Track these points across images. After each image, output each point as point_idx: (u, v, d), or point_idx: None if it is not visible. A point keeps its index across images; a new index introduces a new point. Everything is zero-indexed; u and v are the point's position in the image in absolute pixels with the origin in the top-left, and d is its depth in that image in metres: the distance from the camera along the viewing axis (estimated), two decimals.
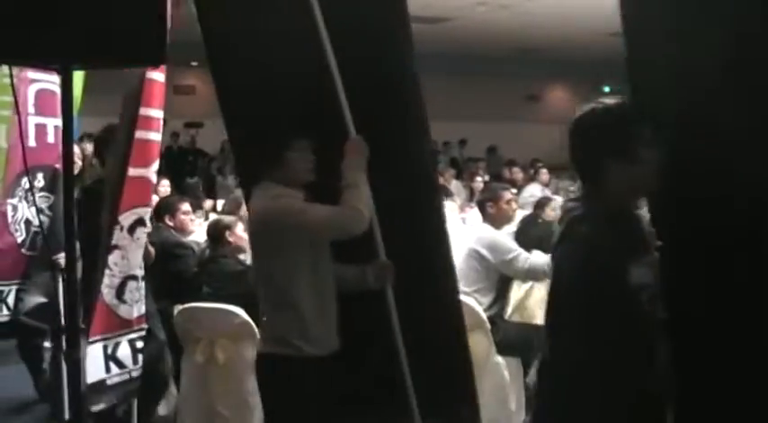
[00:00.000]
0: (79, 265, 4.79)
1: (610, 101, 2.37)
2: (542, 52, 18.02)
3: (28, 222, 5.26)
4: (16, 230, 5.23)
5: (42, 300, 5.29)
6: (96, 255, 4.14)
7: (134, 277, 4.21)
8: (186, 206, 5.91)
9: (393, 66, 3.46)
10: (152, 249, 4.71)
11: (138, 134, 4.12)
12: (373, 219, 3.34)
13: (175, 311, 5.05)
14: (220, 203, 9.82)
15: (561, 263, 2.33)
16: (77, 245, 4.74)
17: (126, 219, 4.11)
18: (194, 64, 18.51)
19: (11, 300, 5.25)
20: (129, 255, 4.15)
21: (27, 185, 5.08)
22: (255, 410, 4.71)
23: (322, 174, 3.33)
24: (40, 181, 5.20)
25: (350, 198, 3.23)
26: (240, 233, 5.52)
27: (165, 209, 5.81)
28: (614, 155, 2.28)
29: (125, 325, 4.21)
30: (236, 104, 3.79)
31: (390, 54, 3.46)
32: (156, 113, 4.18)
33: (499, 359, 5.10)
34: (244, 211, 6.30)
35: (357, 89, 3.39)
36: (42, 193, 5.21)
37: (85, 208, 4.61)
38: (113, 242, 4.14)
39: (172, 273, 5.37)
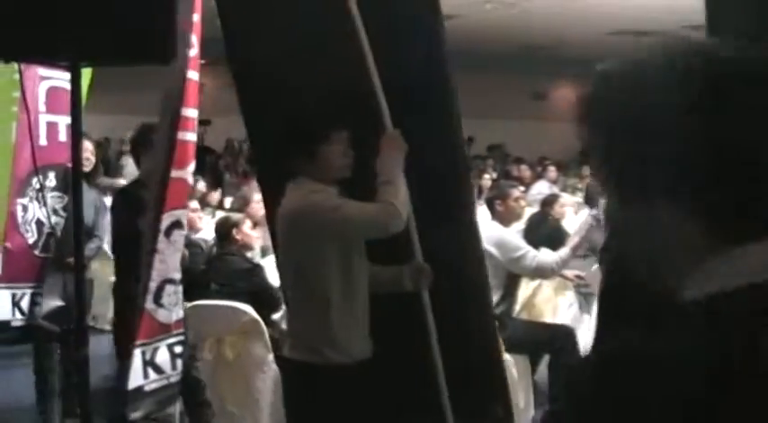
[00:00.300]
0: (109, 266, 4.79)
1: None
2: (549, 50, 18.00)
3: (40, 223, 5.06)
4: (27, 231, 5.04)
5: (59, 303, 5.04)
6: (136, 259, 4.04)
7: (171, 281, 4.10)
8: (194, 204, 5.94)
9: (426, 62, 3.41)
10: (185, 251, 4.63)
11: (178, 135, 4.03)
12: (410, 218, 3.22)
13: None
14: (228, 201, 9.82)
15: (620, 259, 2.28)
16: (109, 247, 4.74)
17: (163, 221, 4.00)
18: (203, 62, 18.51)
19: (25, 304, 5.03)
20: (166, 258, 4.05)
21: (38, 185, 4.91)
22: (265, 408, 4.72)
23: (356, 170, 3.22)
24: (51, 180, 5.05)
25: (387, 195, 3.09)
26: (247, 231, 5.52)
27: None
28: None
29: (163, 330, 4.10)
30: (260, 100, 3.72)
31: (423, 50, 3.41)
32: (192, 113, 4.09)
33: (507, 357, 5.10)
34: (253, 208, 6.33)
35: (389, 85, 3.31)
36: (55, 193, 5.06)
37: (122, 211, 4.57)
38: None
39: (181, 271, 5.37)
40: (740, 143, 0.97)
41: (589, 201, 7.95)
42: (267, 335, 4.88)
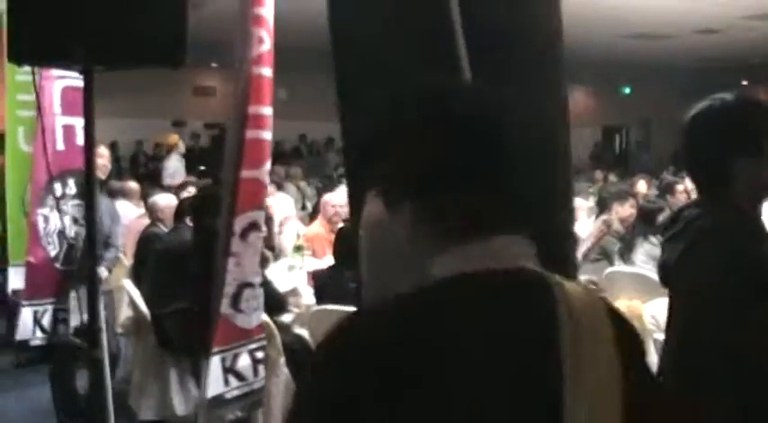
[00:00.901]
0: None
1: (727, 96, 2.23)
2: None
3: (61, 234, 4.76)
4: (49, 243, 4.75)
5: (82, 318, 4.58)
6: (212, 263, 3.89)
7: (250, 285, 3.93)
8: None
9: (540, 70, 3.29)
10: (268, 253, 4.42)
11: (250, 134, 3.84)
12: None
13: None
14: None
15: (698, 278, 2.15)
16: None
17: (238, 223, 3.84)
18: (214, 65, 18.56)
19: (46, 321, 4.73)
20: (243, 261, 3.88)
21: (58, 193, 4.64)
22: (276, 412, 4.71)
23: None
24: (71, 187, 4.76)
25: None
26: None
27: (185, 210, 5.82)
28: (745, 152, 2.15)
29: (243, 335, 3.94)
30: (353, 106, 3.60)
31: (539, 58, 3.29)
32: (267, 111, 3.89)
33: None
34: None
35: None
36: (75, 201, 4.76)
37: (200, 214, 4.45)
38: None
39: (191, 273, 5.36)
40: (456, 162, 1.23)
41: (601, 205, 7.91)
42: (279, 339, 4.88)
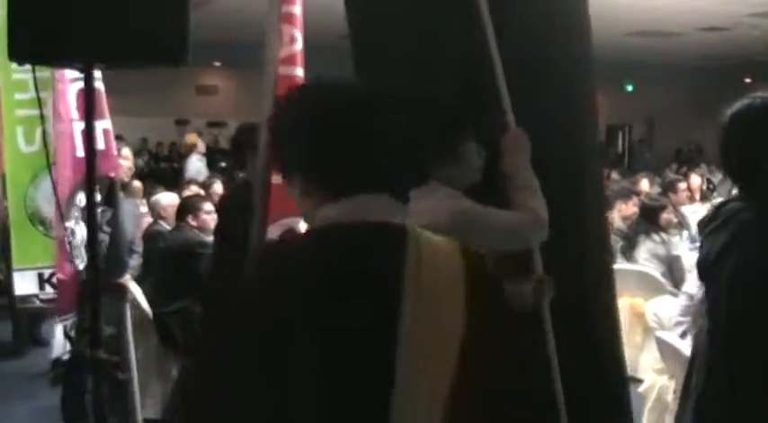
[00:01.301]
0: None
1: (766, 95, 2.29)
2: None
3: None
4: (77, 257, 4.52)
5: (111, 331, 4.40)
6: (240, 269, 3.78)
7: None
8: (209, 206, 5.90)
9: (569, 67, 3.24)
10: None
11: None
12: None
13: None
14: None
15: (741, 269, 2.20)
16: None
17: (273, 232, 3.62)
18: (217, 64, 18.57)
19: (74, 333, 4.55)
20: None
21: (82, 203, 4.38)
22: None
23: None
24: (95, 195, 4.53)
25: (528, 202, 2.66)
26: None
27: (187, 209, 5.82)
28: None
29: None
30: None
31: (567, 55, 3.23)
32: None
33: None
34: None
35: (526, 88, 2.93)
36: (101, 208, 4.42)
37: (227, 220, 4.33)
38: None
39: (194, 272, 5.37)
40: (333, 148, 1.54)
41: None
42: None
